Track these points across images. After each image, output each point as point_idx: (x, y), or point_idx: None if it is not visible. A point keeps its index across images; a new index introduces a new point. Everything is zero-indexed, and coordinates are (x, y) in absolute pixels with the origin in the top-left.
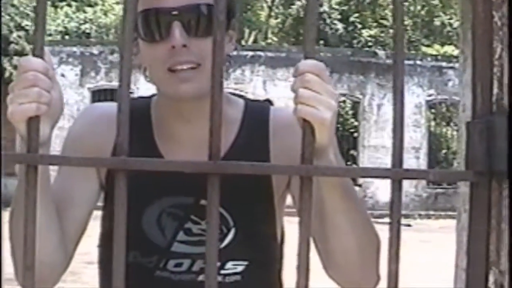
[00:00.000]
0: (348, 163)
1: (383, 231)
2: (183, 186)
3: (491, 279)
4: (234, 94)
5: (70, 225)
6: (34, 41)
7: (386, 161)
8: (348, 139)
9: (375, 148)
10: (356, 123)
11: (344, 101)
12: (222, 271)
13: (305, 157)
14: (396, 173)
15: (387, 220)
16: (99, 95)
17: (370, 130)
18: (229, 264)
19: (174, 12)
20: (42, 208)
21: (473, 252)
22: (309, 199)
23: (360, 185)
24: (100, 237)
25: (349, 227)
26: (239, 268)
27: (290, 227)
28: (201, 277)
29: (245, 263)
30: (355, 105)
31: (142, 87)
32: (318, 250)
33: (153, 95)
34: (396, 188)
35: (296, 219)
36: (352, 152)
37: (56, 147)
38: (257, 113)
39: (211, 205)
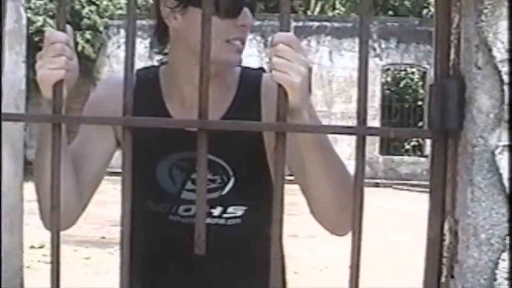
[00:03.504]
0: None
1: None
2: (188, 143)
3: (446, 226)
4: None
5: (87, 176)
6: (57, 17)
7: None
8: (415, 110)
9: None
10: (424, 94)
11: (412, 73)
12: (224, 215)
13: (279, 115)
14: (360, 130)
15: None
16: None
17: None
18: (230, 209)
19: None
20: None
21: (432, 203)
22: (283, 152)
23: (426, 156)
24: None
25: (325, 177)
26: (239, 212)
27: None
28: (206, 221)
29: (244, 207)
30: (423, 75)
31: None
32: (304, 195)
33: (161, 64)
34: (360, 144)
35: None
36: (420, 123)
37: None
38: (251, 78)
39: (200, 155)
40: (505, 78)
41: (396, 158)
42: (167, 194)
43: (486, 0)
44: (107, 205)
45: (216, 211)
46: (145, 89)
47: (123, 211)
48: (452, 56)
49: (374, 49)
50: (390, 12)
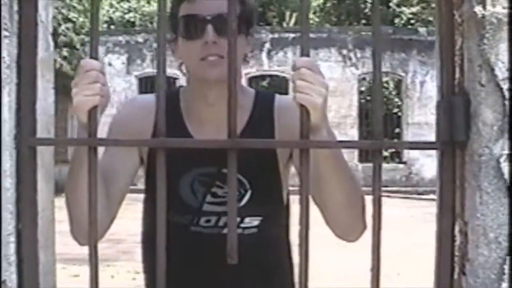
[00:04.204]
0: (394, 140)
1: (428, 208)
2: (208, 158)
3: (456, 228)
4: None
5: (115, 191)
6: (91, 44)
7: (430, 138)
8: (391, 118)
9: (419, 125)
10: (399, 102)
11: (386, 82)
12: (242, 225)
13: (303, 133)
14: (376, 144)
15: (431, 196)
16: (145, 81)
17: (414, 108)
18: (247, 220)
19: (208, 17)
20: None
21: (443, 207)
22: (307, 166)
23: (405, 163)
24: (144, 210)
25: (340, 187)
26: (255, 223)
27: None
28: (225, 230)
29: (260, 218)
30: (398, 83)
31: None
32: (318, 207)
33: (180, 87)
34: (377, 157)
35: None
36: (397, 130)
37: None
38: (265, 100)
39: (231, 173)
40: (507, 94)
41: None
42: (189, 207)
43: (487, 25)
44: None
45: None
46: (166, 109)
47: (159, 227)
48: (457, 75)
49: (350, 59)
50: (363, 22)
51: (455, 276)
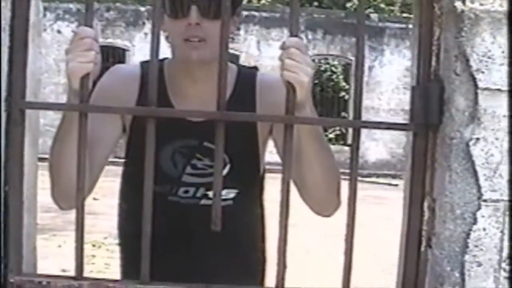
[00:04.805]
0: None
1: (370, 190)
2: (190, 131)
3: (425, 204)
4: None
5: (98, 157)
6: (86, 14)
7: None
8: (339, 101)
9: (365, 109)
10: (347, 86)
11: (334, 65)
12: None
13: (288, 109)
14: (356, 123)
15: (374, 179)
16: None
17: None
18: (224, 192)
19: None
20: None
21: (413, 185)
22: (291, 141)
23: (349, 145)
24: (123, 175)
25: (318, 162)
26: (231, 195)
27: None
28: (202, 201)
29: (236, 191)
30: (347, 66)
31: (137, 44)
32: (294, 182)
33: (164, 59)
34: (356, 136)
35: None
36: (343, 114)
37: None
38: (247, 76)
39: (218, 143)
40: (479, 84)
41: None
42: (168, 177)
43: (466, 20)
44: (39, 191)
45: (212, 193)
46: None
47: (146, 194)
48: (433, 63)
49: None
50: (315, 3)
51: (422, 248)
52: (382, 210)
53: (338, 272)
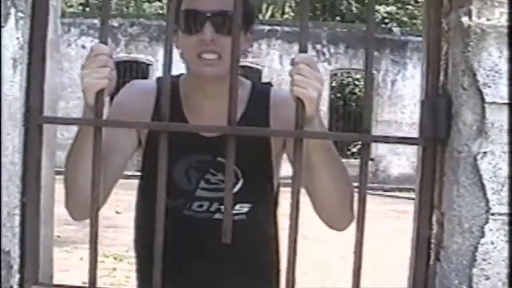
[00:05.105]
0: None
1: (392, 204)
2: (204, 147)
3: (434, 218)
4: (244, 74)
5: (112, 169)
6: (101, 31)
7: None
8: (361, 115)
9: (388, 123)
10: None
11: (357, 79)
12: (232, 211)
13: (298, 124)
14: (366, 138)
15: (397, 193)
16: (118, 66)
17: (384, 106)
18: (237, 206)
19: (208, 14)
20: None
21: (423, 198)
22: (300, 155)
23: (372, 159)
24: (139, 189)
25: (328, 174)
26: (244, 209)
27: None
28: (216, 216)
29: (249, 205)
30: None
31: (161, 59)
32: (309, 196)
33: (180, 74)
34: (365, 149)
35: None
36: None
37: None
38: (261, 92)
39: (229, 157)
40: (486, 98)
41: (342, 161)
42: (182, 191)
43: (472, 35)
44: (60, 203)
45: None
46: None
47: (158, 208)
48: (441, 77)
49: (324, 54)
50: (338, 18)
51: (431, 262)
52: (405, 224)
53: None
